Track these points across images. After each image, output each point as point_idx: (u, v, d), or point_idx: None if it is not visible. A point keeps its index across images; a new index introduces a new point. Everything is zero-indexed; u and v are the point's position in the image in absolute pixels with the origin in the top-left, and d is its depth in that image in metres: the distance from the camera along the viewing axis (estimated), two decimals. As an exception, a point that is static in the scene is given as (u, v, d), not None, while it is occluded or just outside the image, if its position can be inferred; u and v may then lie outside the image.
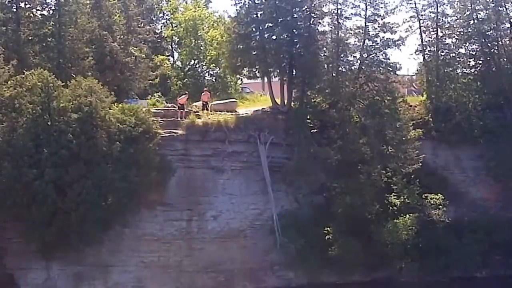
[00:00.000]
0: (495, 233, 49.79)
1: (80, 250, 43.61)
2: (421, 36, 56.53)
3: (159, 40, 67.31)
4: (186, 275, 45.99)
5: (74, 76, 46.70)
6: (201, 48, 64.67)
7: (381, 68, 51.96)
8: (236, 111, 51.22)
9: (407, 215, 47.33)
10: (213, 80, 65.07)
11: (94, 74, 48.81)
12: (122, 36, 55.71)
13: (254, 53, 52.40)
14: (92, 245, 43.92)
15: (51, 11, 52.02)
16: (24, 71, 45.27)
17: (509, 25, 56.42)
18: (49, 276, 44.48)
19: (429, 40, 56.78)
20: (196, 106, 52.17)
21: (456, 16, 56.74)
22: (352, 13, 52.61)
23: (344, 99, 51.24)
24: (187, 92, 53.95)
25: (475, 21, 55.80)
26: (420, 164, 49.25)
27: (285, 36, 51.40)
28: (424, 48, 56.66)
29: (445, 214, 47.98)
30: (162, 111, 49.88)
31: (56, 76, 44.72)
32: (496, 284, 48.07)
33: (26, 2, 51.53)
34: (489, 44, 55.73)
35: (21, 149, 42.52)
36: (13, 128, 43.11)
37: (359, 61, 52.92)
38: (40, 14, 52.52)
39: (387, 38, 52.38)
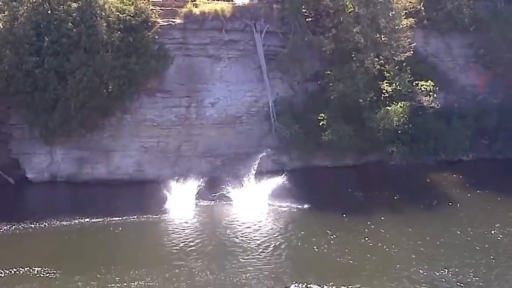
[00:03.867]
0: (482, 118, 51.44)
1: (82, 135, 45.31)
2: None
3: None
4: (184, 159, 47.49)
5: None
6: None
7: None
8: (232, 0, 51.53)
9: (399, 102, 48.06)
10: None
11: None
12: None
13: None
14: (93, 130, 45.59)
15: None
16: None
17: None
18: (53, 160, 46.18)
19: None
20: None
21: None
22: None
23: (339, -12, 51.47)
24: None
25: None
26: (412, 52, 50.00)
27: None
28: None
29: (435, 101, 48.94)
30: (160, 0, 50.25)
31: (55, -36, 44.91)
32: (482, 167, 49.66)
33: None
34: None
35: (22, 37, 43.55)
36: (14, 17, 43.89)
37: (353, -50, 52.75)
38: None
39: None
